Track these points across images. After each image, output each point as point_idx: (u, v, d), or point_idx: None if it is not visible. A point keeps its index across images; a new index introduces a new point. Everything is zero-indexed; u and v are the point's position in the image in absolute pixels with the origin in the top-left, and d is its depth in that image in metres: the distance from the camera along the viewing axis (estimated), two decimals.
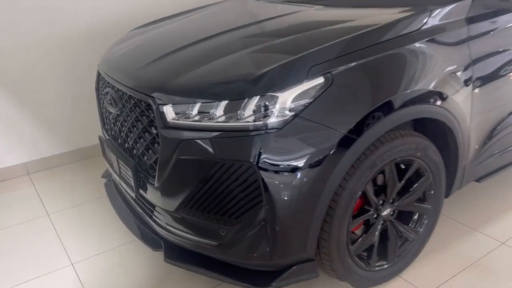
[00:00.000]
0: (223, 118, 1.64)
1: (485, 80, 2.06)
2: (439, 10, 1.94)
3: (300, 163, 1.60)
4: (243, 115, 1.61)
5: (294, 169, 1.61)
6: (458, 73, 1.96)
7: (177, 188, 1.78)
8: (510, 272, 2.14)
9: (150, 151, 1.87)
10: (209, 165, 1.66)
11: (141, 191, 1.99)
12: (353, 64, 1.69)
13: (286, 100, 1.60)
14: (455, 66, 1.95)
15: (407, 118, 1.81)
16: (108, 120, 2.26)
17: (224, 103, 1.64)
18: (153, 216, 1.99)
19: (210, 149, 1.65)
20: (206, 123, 1.66)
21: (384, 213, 1.97)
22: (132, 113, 1.92)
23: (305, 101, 1.61)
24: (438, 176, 2.06)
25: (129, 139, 2.01)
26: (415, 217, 2.13)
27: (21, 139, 3.41)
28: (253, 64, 1.73)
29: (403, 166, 1.95)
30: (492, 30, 2.08)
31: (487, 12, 2.07)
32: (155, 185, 1.85)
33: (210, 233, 1.78)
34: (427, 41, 1.87)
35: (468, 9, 2.01)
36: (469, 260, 2.23)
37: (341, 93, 1.67)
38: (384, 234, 2.02)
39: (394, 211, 2.02)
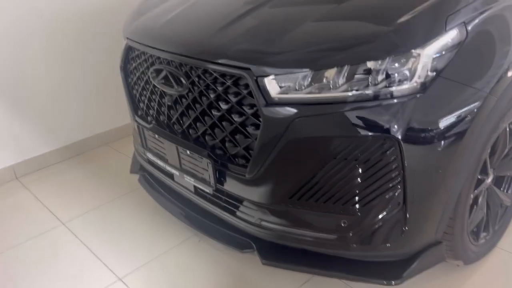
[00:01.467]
0: (346, 87, 1.34)
1: None
2: None
3: (446, 132, 1.36)
4: (376, 80, 1.32)
5: (440, 140, 1.36)
6: None
7: (283, 176, 1.48)
8: None
9: (238, 136, 1.53)
10: (332, 145, 1.37)
11: (219, 185, 1.66)
12: (485, 12, 1.45)
13: (428, 58, 1.33)
14: None
15: None
16: (155, 104, 1.86)
17: (347, 68, 1.34)
18: (239, 213, 1.67)
19: (335, 126, 1.35)
20: (326, 95, 1.36)
21: (489, 180, 1.78)
22: (211, 91, 1.56)
23: (446, 57, 1.35)
24: None
25: (200, 124, 1.65)
26: (508, 181, 1.98)
27: (2, 139, 2.87)
28: (373, 18, 1.42)
29: (509, 128, 1.76)
30: None
31: None
32: (247, 176, 1.53)
33: (327, 226, 1.50)
34: None
35: None
36: None
37: (478, 47, 1.43)
38: (487, 204, 1.85)
39: (494, 178, 1.84)
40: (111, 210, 2.49)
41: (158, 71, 1.73)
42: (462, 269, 1.86)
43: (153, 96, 1.85)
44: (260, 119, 1.43)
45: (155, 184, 2.16)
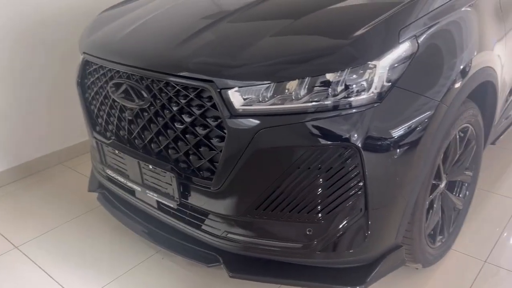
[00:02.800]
0: (307, 98, 1.38)
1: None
2: None
3: (402, 139, 1.42)
4: (335, 91, 1.37)
5: (397, 147, 1.42)
6: (497, 29, 1.92)
7: (248, 187, 1.49)
8: None
9: (202, 149, 1.53)
10: (296, 155, 1.39)
11: (183, 199, 1.64)
12: (436, 25, 1.54)
13: (384, 69, 1.39)
14: (496, 24, 1.90)
15: (478, 82, 1.72)
16: (114, 119, 1.82)
17: (307, 80, 1.38)
18: (204, 226, 1.66)
19: (298, 136, 1.38)
20: (288, 106, 1.39)
21: (442, 185, 1.87)
22: (173, 104, 1.55)
23: (400, 68, 1.43)
24: (480, 141, 2.03)
25: (162, 137, 1.63)
26: (459, 185, 2.08)
27: None
28: (332, 32, 1.48)
29: (461, 134, 1.87)
30: None
31: None
32: (213, 189, 1.53)
33: (292, 235, 1.52)
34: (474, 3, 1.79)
35: None
36: (502, 221, 2.26)
37: (429, 57, 1.51)
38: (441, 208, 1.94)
39: (446, 183, 1.94)
40: (68, 231, 2.40)
41: (117, 85, 1.71)
42: (422, 272, 1.93)
43: (113, 111, 1.82)
44: (225, 131, 1.44)
45: (115, 201, 2.10)
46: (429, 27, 1.53)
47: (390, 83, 1.40)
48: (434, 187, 1.78)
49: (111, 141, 1.87)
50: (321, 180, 1.42)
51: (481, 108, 1.97)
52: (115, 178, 1.92)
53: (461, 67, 1.59)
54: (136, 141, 1.74)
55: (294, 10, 1.72)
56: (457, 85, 1.57)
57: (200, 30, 1.63)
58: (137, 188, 1.81)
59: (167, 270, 2.03)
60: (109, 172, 1.94)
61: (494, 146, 2.88)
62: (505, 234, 2.16)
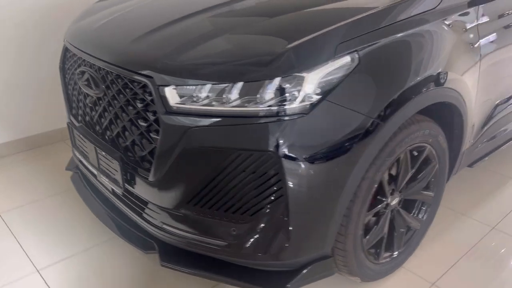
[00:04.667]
0: (238, 102, 1.43)
1: (490, 60, 2.01)
2: None
3: (327, 151, 1.44)
4: (263, 98, 1.41)
5: (320, 158, 1.44)
6: (468, 53, 1.88)
7: (179, 182, 1.55)
8: (504, 255, 2.15)
9: (144, 141, 1.61)
10: (222, 156, 1.44)
11: (128, 186, 1.73)
12: (379, 42, 1.54)
13: (313, 82, 1.42)
14: (466, 47, 1.87)
15: (428, 102, 1.70)
16: (81, 104, 1.94)
17: (239, 85, 1.42)
18: (144, 215, 1.74)
19: (225, 138, 1.43)
20: (219, 108, 1.44)
21: (393, 202, 1.86)
22: (121, 96, 1.64)
23: (332, 82, 1.44)
24: (443, 162, 2.00)
25: (113, 126, 1.73)
26: (418, 205, 2.06)
27: None
28: (270, 40, 1.52)
29: (415, 153, 1.85)
30: (500, 11, 2.03)
31: None
32: (150, 180, 1.60)
33: (219, 232, 1.57)
34: (442, 20, 1.77)
35: None
36: (465, 247, 2.21)
37: (368, 74, 1.51)
38: (391, 225, 1.93)
39: (400, 200, 1.93)
40: (51, 204, 2.55)
41: (82, 73, 1.81)
42: (365, 285, 1.93)
43: (80, 97, 1.93)
44: (160, 126, 1.51)
45: (84, 182, 2.23)
46: (375, 43, 1.53)
47: (320, 96, 1.42)
48: (378, 202, 1.78)
49: (80, 125, 1.99)
50: (244, 183, 1.46)
51: (448, 129, 1.94)
52: (81, 160, 2.04)
53: (408, 85, 1.57)
54: (95, 127, 1.85)
55: (255, 15, 1.77)
56: (400, 103, 1.56)
57: (158, 27, 1.71)
58: (95, 171, 1.92)
59: (125, 251, 2.13)
60: (77, 153, 2.06)
61: (486, 169, 2.82)
62: (462, 261, 2.11)
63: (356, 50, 1.49)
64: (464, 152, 2.15)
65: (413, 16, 1.68)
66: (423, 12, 1.72)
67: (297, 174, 1.43)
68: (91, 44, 1.81)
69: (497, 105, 2.23)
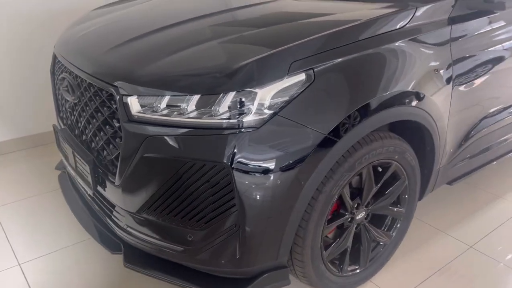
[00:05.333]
0: (195, 114, 1.49)
1: (464, 81, 2.01)
2: (423, 8, 1.86)
3: (278, 165, 1.49)
4: (218, 111, 1.47)
5: (271, 171, 1.49)
6: (439, 74, 1.89)
7: (140, 188, 1.62)
8: (478, 276, 2.13)
9: (111, 146, 1.69)
10: (177, 165, 1.51)
11: (99, 188, 1.82)
12: (336, 61, 1.58)
13: (265, 97, 1.47)
14: (436, 67, 1.88)
15: (388, 120, 1.73)
16: (64, 108, 2.05)
17: (196, 97, 1.49)
18: (112, 217, 1.82)
19: (180, 148, 1.50)
20: (175, 119, 1.51)
21: (359, 217, 1.89)
22: (92, 103, 1.73)
23: (285, 98, 1.49)
24: (413, 179, 2.01)
25: (87, 131, 1.82)
26: (388, 220, 2.07)
27: None
28: (229, 56, 1.58)
29: (380, 169, 1.87)
30: (475, 31, 2.03)
31: (470, 13, 2.01)
32: (116, 183, 1.68)
33: (176, 238, 1.64)
34: (409, 40, 1.79)
35: (451, 9, 1.95)
36: (439, 263, 2.20)
37: (323, 92, 1.55)
38: (357, 238, 1.95)
39: (368, 215, 1.95)
40: (43, 201, 2.68)
41: (63, 79, 1.91)
42: None
43: (63, 101, 2.04)
44: (122, 133, 1.59)
45: (70, 181, 2.33)
46: (332, 62, 1.57)
47: (271, 111, 1.47)
48: (339, 216, 1.81)
49: (63, 128, 2.09)
50: (199, 192, 1.52)
51: (419, 147, 1.95)
52: (63, 161, 2.15)
53: (363, 103, 1.60)
54: (74, 131, 1.94)
55: (222, 30, 1.84)
56: (357, 120, 1.59)
57: (131, 39, 1.79)
58: (73, 172, 2.01)
59: (104, 251, 2.22)
60: (61, 154, 2.16)
61: (471, 186, 2.80)
62: (434, 277, 2.11)
63: (311, 68, 1.53)
64: (439, 169, 2.15)
65: (377, 35, 1.71)
66: (389, 31, 1.75)
67: (249, 186, 1.48)
68: (71, 52, 1.91)
69: (475, 125, 2.22)
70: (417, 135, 1.96)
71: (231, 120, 1.46)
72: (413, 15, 1.82)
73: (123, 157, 1.60)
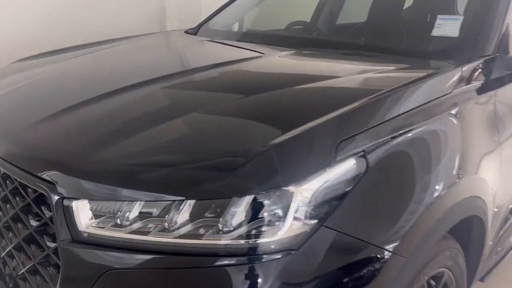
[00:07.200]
0: (188, 229, 0.90)
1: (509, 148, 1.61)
2: (467, 67, 1.45)
3: None
4: (228, 225, 0.89)
5: None
6: (491, 152, 1.47)
7: None
8: None
9: (38, 279, 1.03)
10: None
11: None
12: (397, 138, 1.08)
13: (306, 199, 0.92)
14: (488, 143, 1.46)
15: (459, 217, 1.24)
16: None
17: (191, 202, 0.90)
18: None
19: None
20: (157, 239, 0.90)
21: None
22: (7, 206, 1.07)
23: (333, 199, 0.95)
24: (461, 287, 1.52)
25: None
26: None
27: None
28: (243, 132, 1.03)
29: (433, 283, 1.36)
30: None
31: (509, 73, 1.64)
32: None
33: None
34: (458, 109, 1.35)
35: (493, 69, 1.57)
36: None
37: (381, 185, 1.04)
38: None
39: None
40: None
41: None
42: None
43: None
44: (61, 261, 0.95)
45: None
46: (386, 141, 1.07)
47: (315, 221, 0.92)
48: None
49: None
50: None
51: (464, 246, 1.48)
52: None
53: (430, 201, 1.11)
54: None
55: (220, 92, 1.29)
56: (424, 227, 1.08)
57: (73, 105, 1.18)
58: None
59: None
60: None
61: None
62: None
63: (363, 151, 1.02)
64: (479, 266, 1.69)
65: (423, 104, 1.25)
66: (434, 99, 1.30)
67: None
68: None
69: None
70: (464, 228, 1.49)
71: (252, 240, 0.89)
72: (459, 76, 1.40)
73: None
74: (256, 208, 0.89)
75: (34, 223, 1.01)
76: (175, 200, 0.90)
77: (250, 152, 0.93)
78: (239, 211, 0.88)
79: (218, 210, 0.89)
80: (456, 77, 1.39)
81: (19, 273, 1.07)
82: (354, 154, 1.00)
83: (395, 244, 1.00)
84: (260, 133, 0.99)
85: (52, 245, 0.98)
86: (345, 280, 0.94)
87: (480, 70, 1.51)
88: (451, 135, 1.26)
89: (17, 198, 1.05)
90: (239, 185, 0.90)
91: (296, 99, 1.22)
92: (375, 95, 1.14)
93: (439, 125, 1.22)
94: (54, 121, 1.12)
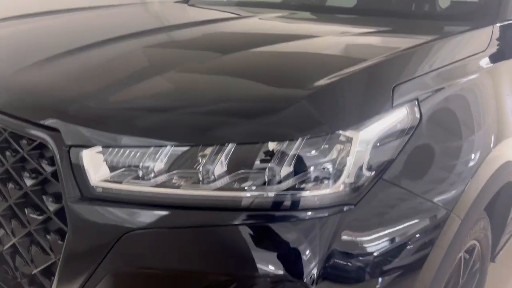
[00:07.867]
0: (226, 181, 0.75)
1: None
2: (499, 25, 1.36)
3: (394, 271, 0.79)
4: (276, 175, 0.74)
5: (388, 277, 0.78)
6: None
7: None
8: None
9: (35, 250, 0.85)
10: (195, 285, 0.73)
11: None
12: (446, 89, 0.97)
13: (365, 146, 0.79)
14: None
15: (503, 183, 1.14)
16: None
17: (228, 148, 0.75)
18: None
19: (197, 253, 0.73)
20: (188, 192, 0.75)
21: None
22: None
23: (392, 148, 0.82)
24: (485, 263, 1.43)
25: None
26: None
27: None
28: (286, 71, 0.89)
29: (466, 257, 1.26)
30: None
31: None
32: None
33: None
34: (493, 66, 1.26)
35: None
36: None
37: (437, 137, 0.92)
38: None
39: None
40: None
41: None
42: None
43: None
44: (67, 224, 0.77)
45: None
46: (436, 90, 0.95)
47: (373, 172, 0.79)
48: None
49: None
50: None
51: (490, 217, 1.39)
52: None
53: (481, 160, 1.01)
54: None
55: (224, 43, 1.15)
56: (475, 186, 0.98)
57: (80, 48, 1.01)
58: None
59: None
60: None
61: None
62: None
63: (416, 98, 0.90)
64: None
65: (465, 58, 1.15)
66: (472, 55, 1.20)
67: None
68: None
69: None
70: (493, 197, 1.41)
71: (304, 192, 0.75)
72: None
73: (66, 272, 0.78)
74: (307, 155, 0.75)
75: (29, 181, 0.83)
76: (209, 147, 0.74)
77: (299, 94, 0.79)
78: (289, 157, 0.74)
79: (260, 157, 0.75)
80: (489, 35, 1.30)
81: (7, 245, 0.89)
82: (406, 102, 0.88)
83: (453, 204, 0.89)
84: (305, 76, 0.86)
85: (53, 206, 0.81)
86: (405, 240, 0.81)
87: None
88: (491, 92, 1.16)
89: (7, 153, 0.86)
90: (287, 127, 0.75)
91: (337, 46, 1.09)
92: (420, 42, 1.02)
93: (483, 80, 1.12)
94: (52, 62, 0.94)
